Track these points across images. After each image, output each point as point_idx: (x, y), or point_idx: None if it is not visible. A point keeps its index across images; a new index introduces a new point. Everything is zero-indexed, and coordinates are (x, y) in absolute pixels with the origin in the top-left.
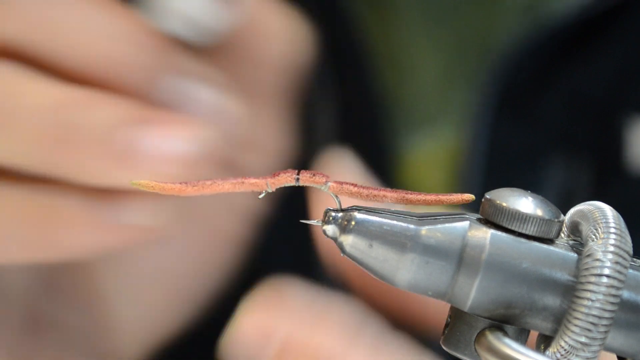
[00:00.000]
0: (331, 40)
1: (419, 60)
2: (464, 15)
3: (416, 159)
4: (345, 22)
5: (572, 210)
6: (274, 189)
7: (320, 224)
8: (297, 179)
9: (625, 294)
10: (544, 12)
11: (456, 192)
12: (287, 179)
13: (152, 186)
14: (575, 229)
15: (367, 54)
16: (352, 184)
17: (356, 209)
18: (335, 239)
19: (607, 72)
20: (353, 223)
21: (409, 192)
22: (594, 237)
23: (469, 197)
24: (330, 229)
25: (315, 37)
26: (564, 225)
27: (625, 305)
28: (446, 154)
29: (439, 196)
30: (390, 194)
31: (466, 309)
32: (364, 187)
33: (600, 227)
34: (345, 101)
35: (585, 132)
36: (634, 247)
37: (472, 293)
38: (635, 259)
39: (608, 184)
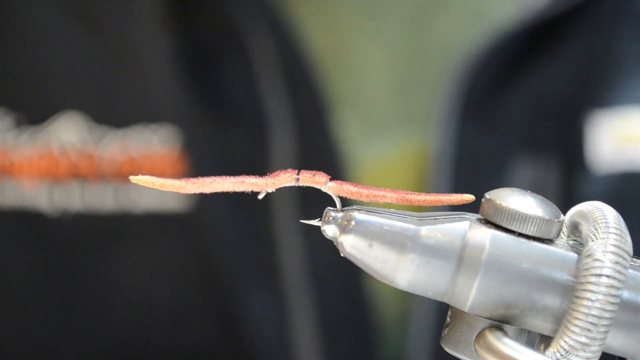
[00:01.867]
0: (278, 51)
1: (370, 66)
2: (415, 19)
3: (378, 166)
4: (290, 32)
5: (572, 210)
6: (273, 189)
7: (320, 224)
8: (297, 179)
9: (625, 294)
10: (497, 17)
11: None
12: (287, 179)
13: (152, 182)
14: (575, 229)
15: (315, 63)
16: (353, 184)
17: (356, 209)
18: (335, 239)
19: (567, 72)
20: (353, 223)
21: (409, 192)
22: (593, 237)
23: (469, 197)
24: (330, 229)
25: (263, 50)
26: (564, 225)
27: (625, 305)
28: (410, 160)
29: (439, 196)
30: (390, 194)
31: (466, 309)
32: (364, 187)
33: (600, 227)
34: (297, 112)
35: (549, 132)
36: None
37: (472, 293)
38: (635, 259)
39: (575, 182)
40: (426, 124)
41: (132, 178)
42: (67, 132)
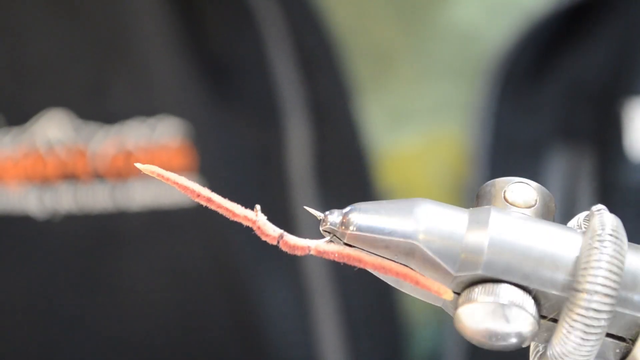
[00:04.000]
0: (301, 34)
1: (396, 50)
2: (445, 4)
3: (404, 156)
4: (315, 15)
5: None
6: (259, 229)
7: (322, 217)
8: (279, 242)
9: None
10: (530, 3)
11: (460, 186)
12: (270, 238)
13: (161, 174)
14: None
15: (335, 43)
16: (334, 252)
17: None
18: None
19: (602, 58)
20: (353, 223)
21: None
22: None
23: (445, 291)
24: (330, 228)
25: (283, 32)
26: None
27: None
28: (439, 149)
29: (418, 278)
30: (370, 260)
31: None
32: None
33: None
34: (315, 92)
35: (586, 119)
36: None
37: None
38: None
39: (611, 170)
40: (456, 112)
41: (139, 165)
42: (53, 131)
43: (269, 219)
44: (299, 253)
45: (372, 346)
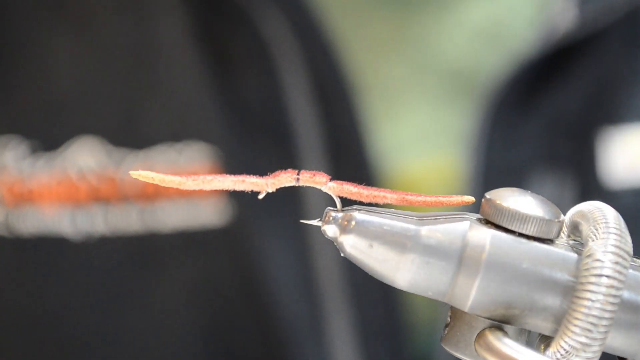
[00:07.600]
0: (315, 67)
1: (402, 85)
2: (445, 46)
3: (405, 180)
4: (327, 49)
5: (572, 210)
6: (273, 189)
7: (320, 224)
8: (298, 179)
9: (625, 294)
10: (519, 44)
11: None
12: (288, 180)
13: (152, 177)
14: (575, 229)
15: (352, 79)
16: (353, 185)
17: (356, 209)
18: (335, 239)
19: (582, 91)
20: (353, 223)
21: (409, 193)
22: (594, 237)
23: (469, 199)
24: (331, 229)
25: (299, 68)
26: (564, 225)
27: (625, 306)
28: (438, 174)
29: (439, 198)
30: (391, 194)
31: (466, 309)
32: (364, 188)
33: (600, 227)
34: (330, 124)
35: (566, 149)
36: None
37: (472, 293)
38: (635, 259)
39: (589, 197)
40: (452, 140)
41: (133, 173)
42: (84, 157)
43: (286, 242)
44: (317, 185)
45: (379, 352)
